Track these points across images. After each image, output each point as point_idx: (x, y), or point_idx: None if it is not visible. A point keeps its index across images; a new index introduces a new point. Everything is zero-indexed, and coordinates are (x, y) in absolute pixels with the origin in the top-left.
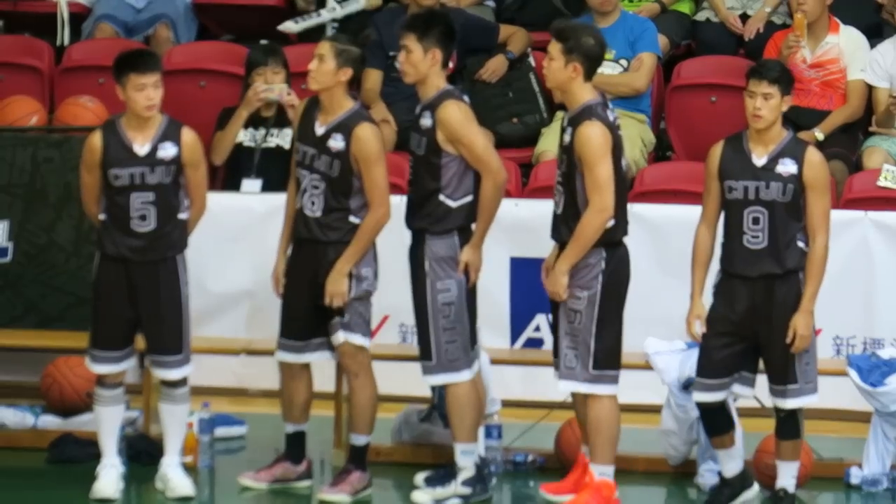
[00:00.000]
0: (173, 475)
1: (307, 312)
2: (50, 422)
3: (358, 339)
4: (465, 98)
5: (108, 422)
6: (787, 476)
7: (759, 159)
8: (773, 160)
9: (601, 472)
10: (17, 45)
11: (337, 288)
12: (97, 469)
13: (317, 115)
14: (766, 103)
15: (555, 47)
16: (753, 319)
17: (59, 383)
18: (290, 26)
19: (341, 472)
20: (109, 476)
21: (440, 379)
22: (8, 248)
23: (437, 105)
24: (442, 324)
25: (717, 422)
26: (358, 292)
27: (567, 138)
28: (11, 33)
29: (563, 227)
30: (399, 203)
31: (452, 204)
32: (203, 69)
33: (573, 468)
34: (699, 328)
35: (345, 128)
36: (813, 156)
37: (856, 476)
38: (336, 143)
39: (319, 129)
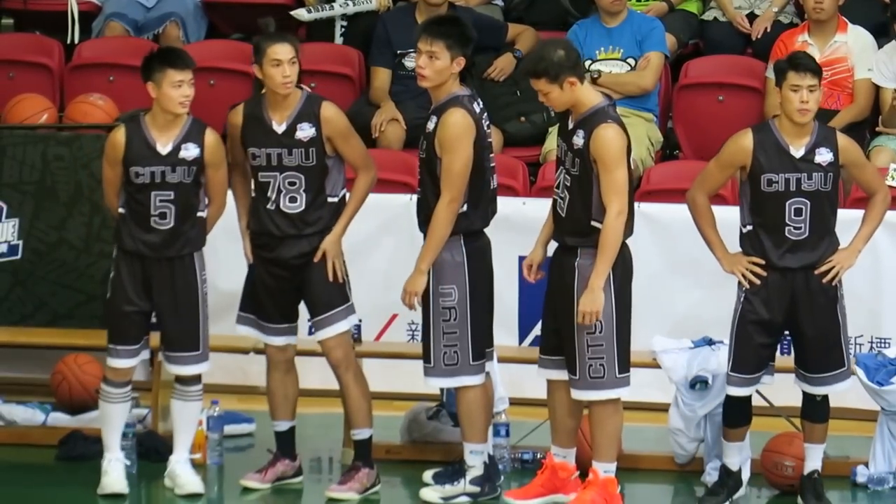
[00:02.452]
0: (182, 472)
1: (282, 301)
2: (59, 419)
3: (342, 327)
4: (477, 104)
5: (114, 419)
6: (817, 459)
7: (798, 151)
8: (811, 151)
9: (605, 470)
10: (28, 43)
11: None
12: (103, 465)
13: (267, 116)
14: (811, 95)
15: (540, 84)
16: (793, 311)
17: (68, 380)
18: (301, 13)
19: (349, 469)
20: (117, 470)
21: (438, 382)
22: (18, 245)
23: (443, 110)
24: (442, 328)
25: (741, 414)
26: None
27: (580, 141)
28: (22, 31)
29: (569, 228)
30: (408, 202)
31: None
32: (212, 67)
33: (540, 471)
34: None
35: (308, 115)
36: (843, 140)
37: (862, 475)
38: (304, 132)
39: (280, 127)
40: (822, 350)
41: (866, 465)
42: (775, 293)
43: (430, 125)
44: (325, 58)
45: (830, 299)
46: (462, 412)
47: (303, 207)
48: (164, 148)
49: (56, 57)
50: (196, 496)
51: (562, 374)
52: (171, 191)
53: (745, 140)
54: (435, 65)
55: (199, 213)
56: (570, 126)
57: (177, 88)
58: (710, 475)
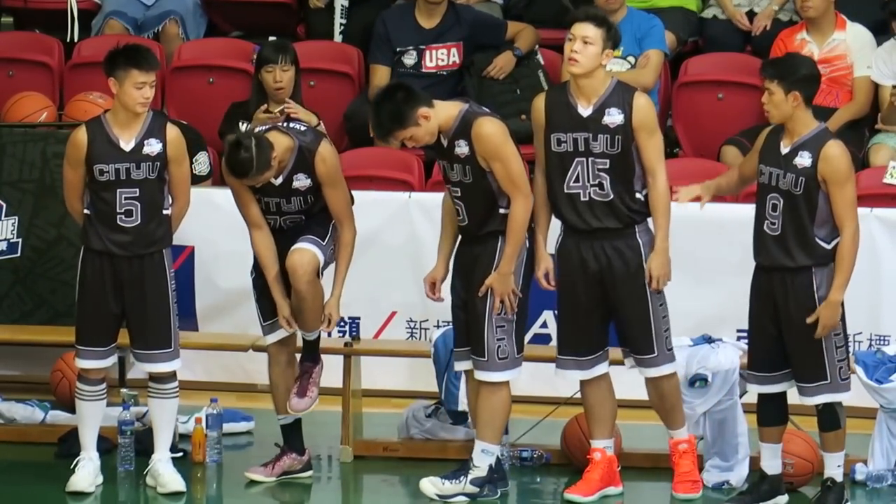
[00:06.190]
0: (164, 470)
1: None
2: (59, 416)
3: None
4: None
5: (89, 417)
6: (832, 466)
7: (785, 148)
8: (795, 151)
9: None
10: (27, 42)
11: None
12: (75, 462)
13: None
14: (770, 98)
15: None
16: (775, 312)
17: (68, 378)
18: None
19: (302, 373)
20: (86, 469)
21: (493, 377)
22: (18, 243)
23: (467, 127)
24: (495, 320)
25: (766, 412)
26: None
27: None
28: (21, 30)
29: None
30: (407, 200)
31: None
32: (212, 65)
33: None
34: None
35: (302, 163)
36: (832, 149)
37: (861, 472)
38: (300, 182)
39: (277, 180)
40: (798, 356)
41: (865, 462)
42: (760, 292)
43: (463, 150)
44: (325, 56)
45: (808, 305)
46: (487, 408)
47: (305, 235)
48: (127, 145)
49: (56, 55)
50: (178, 494)
51: None
52: (136, 188)
53: (765, 131)
54: (417, 138)
55: (165, 211)
56: None
57: (138, 89)
58: (709, 472)
